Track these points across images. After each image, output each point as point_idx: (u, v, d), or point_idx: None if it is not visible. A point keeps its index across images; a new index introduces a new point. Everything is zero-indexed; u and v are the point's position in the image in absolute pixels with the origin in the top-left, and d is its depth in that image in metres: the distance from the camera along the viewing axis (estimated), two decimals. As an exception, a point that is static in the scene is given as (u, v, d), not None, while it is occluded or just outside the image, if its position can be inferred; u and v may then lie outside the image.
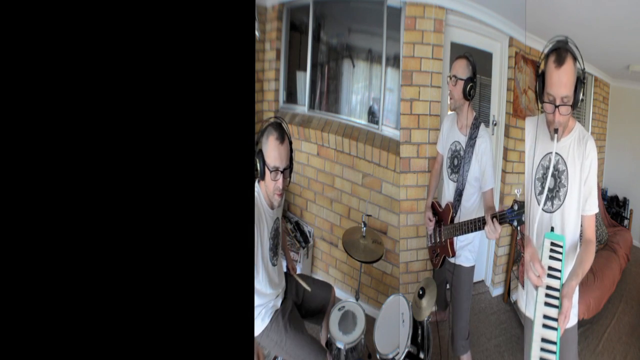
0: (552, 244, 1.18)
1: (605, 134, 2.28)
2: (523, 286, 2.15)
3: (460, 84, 1.67)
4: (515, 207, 1.38)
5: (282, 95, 2.46)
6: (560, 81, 1.18)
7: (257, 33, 2.34)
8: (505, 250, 2.19)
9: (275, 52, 2.38)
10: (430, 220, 1.89)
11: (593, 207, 1.28)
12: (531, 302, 1.33)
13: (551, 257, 1.15)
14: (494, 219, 1.45)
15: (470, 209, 1.74)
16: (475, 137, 1.68)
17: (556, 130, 1.23)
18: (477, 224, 1.57)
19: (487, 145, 1.68)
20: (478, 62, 1.86)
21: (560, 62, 1.18)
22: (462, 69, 1.68)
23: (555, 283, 1.13)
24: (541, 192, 1.31)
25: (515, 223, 1.38)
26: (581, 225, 1.29)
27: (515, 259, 2.18)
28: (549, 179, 1.28)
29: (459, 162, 1.74)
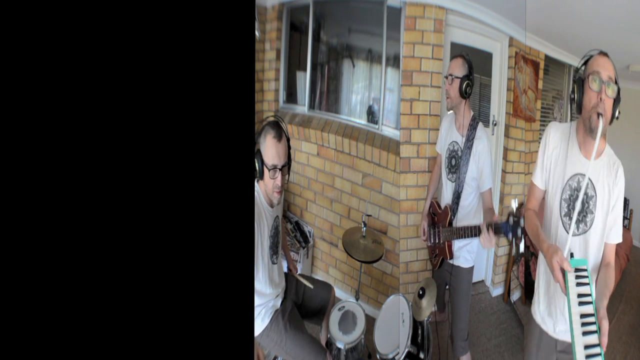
0: (577, 269, 1.13)
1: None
2: (523, 286, 2.16)
3: (457, 82, 1.67)
4: (511, 221, 1.36)
5: (282, 95, 2.46)
6: (607, 64, 1.18)
7: (257, 33, 2.34)
8: (505, 250, 2.19)
9: (275, 52, 2.38)
10: (424, 234, 1.89)
11: (617, 236, 1.24)
12: (563, 325, 1.28)
13: (578, 284, 1.11)
14: (489, 229, 1.43)
15: (467, 208, 1.73)
16: (473, 137, 1.68)
17: (600, 115, 1.16)
18: (473, 231, 1.57)
19: (484, 145, 1.67)
20: (478, 62, 1.86)
21: (606, 55, 1.20)
22: (458, 68, 1.68)
23: (588, 309, 1.08)
24: (567, 214, 1.25)
25: (510, 236, 1.36)
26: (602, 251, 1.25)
27: (515, 259, 2.18)
28: (576, 202, 1.22)
29: (456, 162, 1.74)
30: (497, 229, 1.41)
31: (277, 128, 1.36)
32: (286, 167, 1.39)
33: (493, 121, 2.11)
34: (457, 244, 1.76)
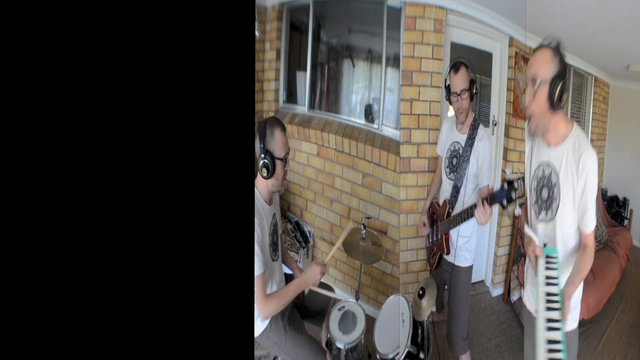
0: (547, 257, 1.25)
1: (605, 134, 2.28)
2: (523, 285, 2.16)
3: (466, 94, 1.68)
4: (505, 186, 1.38)
5: (282, 95, 2.46)
6: (533, 59, 1.23)
7: (257, 33, 2.34)
8: (505, 250, 2.20)
9: (275, 52, 2.38)
10: (425, 225, 1.90)
11: (588, 224, 1.21)
12: (533, 301, 1.36)
13: (547, 268, 1.23)
14: (484, 202, 1.46)
15: (467, 204, 1.74)
16: (474, 137, 1.70)
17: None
18: (469, 212, 1.58)
19: (485, 144, 1.69)
20: (478, 62, 1.86)
21: (541, 47, 1.23)
22: (463, 80, 1.67)
23: (553, 289, 1.19)
24: (536, 202, 1.31)
25: (505, 202, 1.38)
26: (580, 236, 1.27)
27: (515, 259, 2.19)
28: (543, 190, 1.29)
29: (457, 161, 1.75)
30: (492, 199, 1.44)
31: (280, 122, 1.42)
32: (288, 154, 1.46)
33: (493, 121, 2.11)
34: (456, 244, 1.76)
